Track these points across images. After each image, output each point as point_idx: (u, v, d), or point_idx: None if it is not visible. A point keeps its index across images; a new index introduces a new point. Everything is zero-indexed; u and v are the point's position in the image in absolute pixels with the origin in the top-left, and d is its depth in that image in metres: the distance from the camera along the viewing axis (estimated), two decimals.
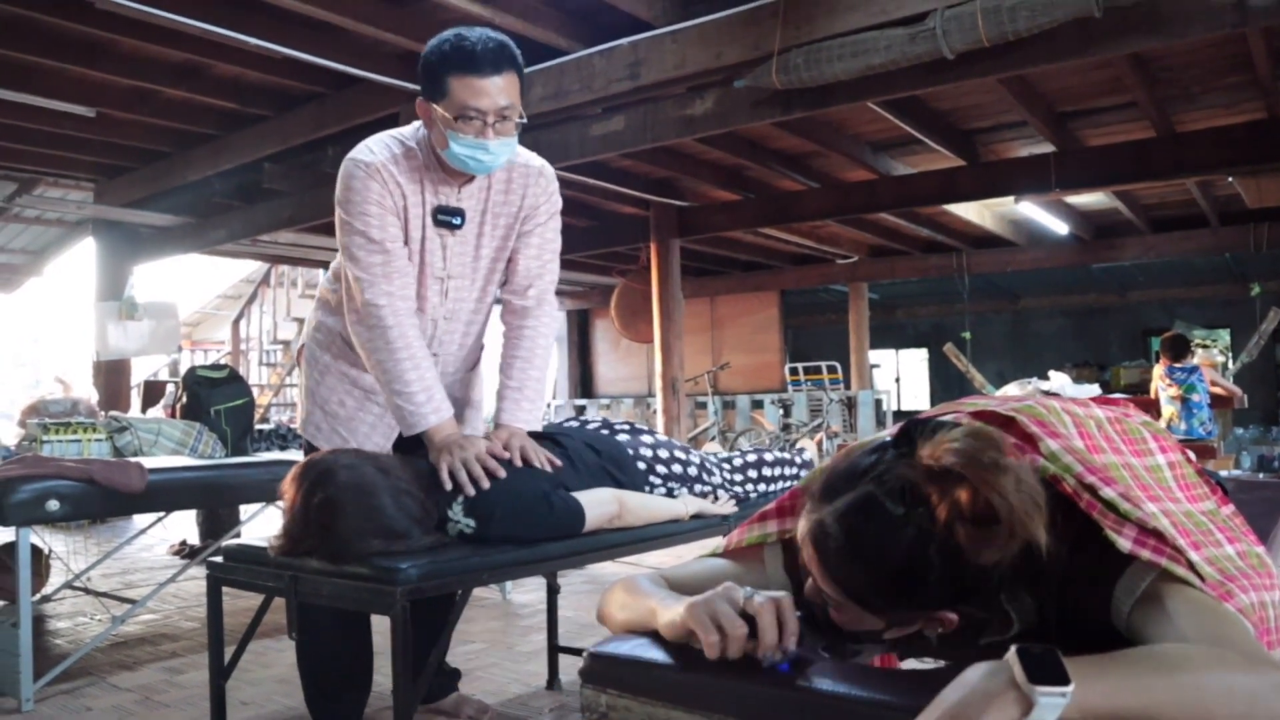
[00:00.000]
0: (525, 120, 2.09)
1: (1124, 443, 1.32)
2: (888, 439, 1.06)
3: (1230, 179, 6.78)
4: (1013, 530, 0.93)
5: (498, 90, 1.99)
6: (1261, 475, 8.54)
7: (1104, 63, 4.93)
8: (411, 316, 2.12)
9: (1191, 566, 0.99)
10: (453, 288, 2.23)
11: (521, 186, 2.24)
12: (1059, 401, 1.33)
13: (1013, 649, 0.82)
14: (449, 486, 1.96)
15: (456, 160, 2.05)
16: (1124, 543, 0.99)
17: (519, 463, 2.05)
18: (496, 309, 2.41)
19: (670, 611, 1.07)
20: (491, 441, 2.08)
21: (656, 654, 1.06)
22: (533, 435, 2.17)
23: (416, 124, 2.15)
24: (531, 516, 1.97)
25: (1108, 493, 1.04)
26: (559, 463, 2.10)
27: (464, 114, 1.99)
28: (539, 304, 2.32)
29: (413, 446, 2.14)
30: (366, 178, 2.06)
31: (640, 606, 1.14)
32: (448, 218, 2.15)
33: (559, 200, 2.33)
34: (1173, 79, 5.48)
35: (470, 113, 1.98)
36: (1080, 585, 1.05)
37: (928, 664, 1.15)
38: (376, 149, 2.10)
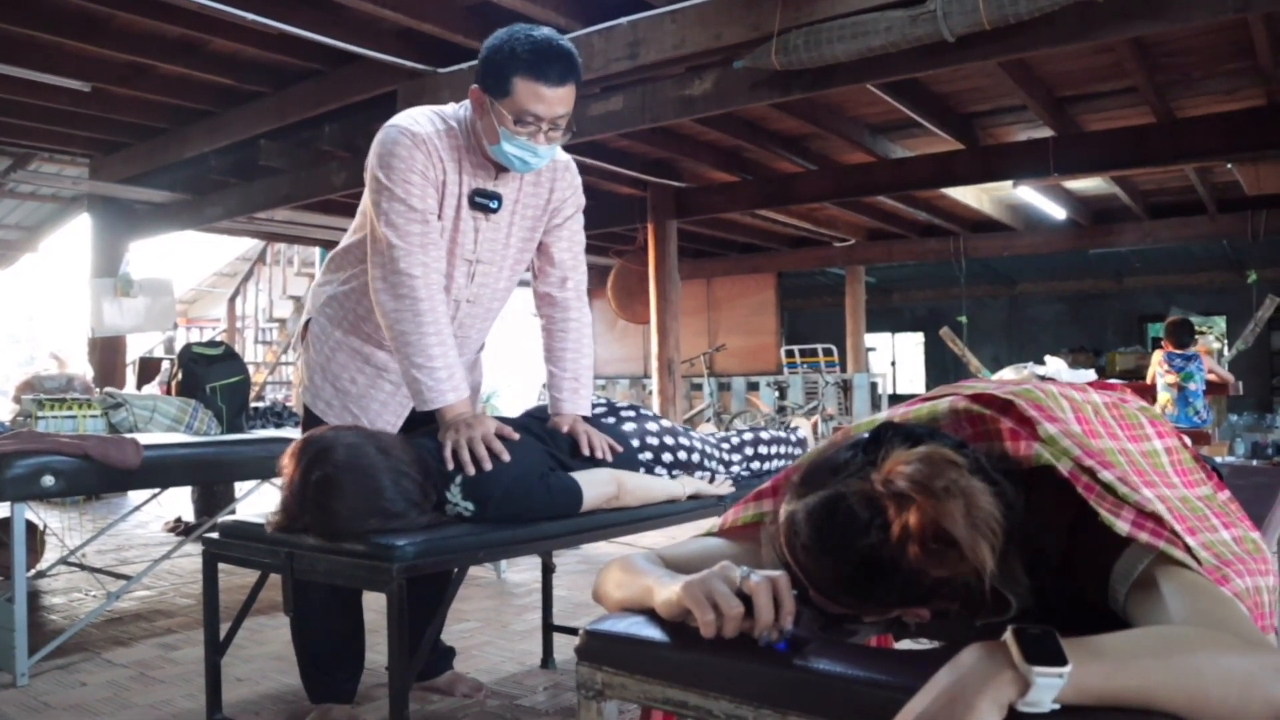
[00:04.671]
0: (576, 130, 2.12)
1: (1120, 428, 1.32)
2: (866, 435, 1.06)
3: (1229, 165, 6.77)
4: (962, 555, 0.92)
5: (559, 100, 2.00)
6: (1255, 462, 8.59)
7: (1104, 47, 4.91)
8: (442, 292, 2.12)
9: (1189, 550, 0.99)
10: (480, 272, 2.24)
11: (550, 180, 2.26)
12: (1056, 386, 1.33)
13: (1010, 629, 0.83)
14: (451, 465, 1.96)
15: (502, 156, 2.06)
16: (1122, 525, 0.99)
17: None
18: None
19: (666, 590, 1.07)
20: (566, 423, 2.18)
21: (652, 632, 1.07)
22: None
23: (455, 105, 2.16)
24: (529, 499, 1.98)
25: (1106, 475, 1.04)
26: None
27: (523, 118, 2.00)
28: (578, 296, 2.38)
29: (426, 422, 2.14)
30: (413, 146, 2.04)
31: (636, 585, 1.14)
32: (485, 201, 2.15)
33: (583, 195, 2.37)
34: (1173, 64, 5.46)
35: (529, 118, 2.00)
36: (1077, 567, 1.05)
37: (924, 645, 1.15)
38: (422, 120, 2.09)
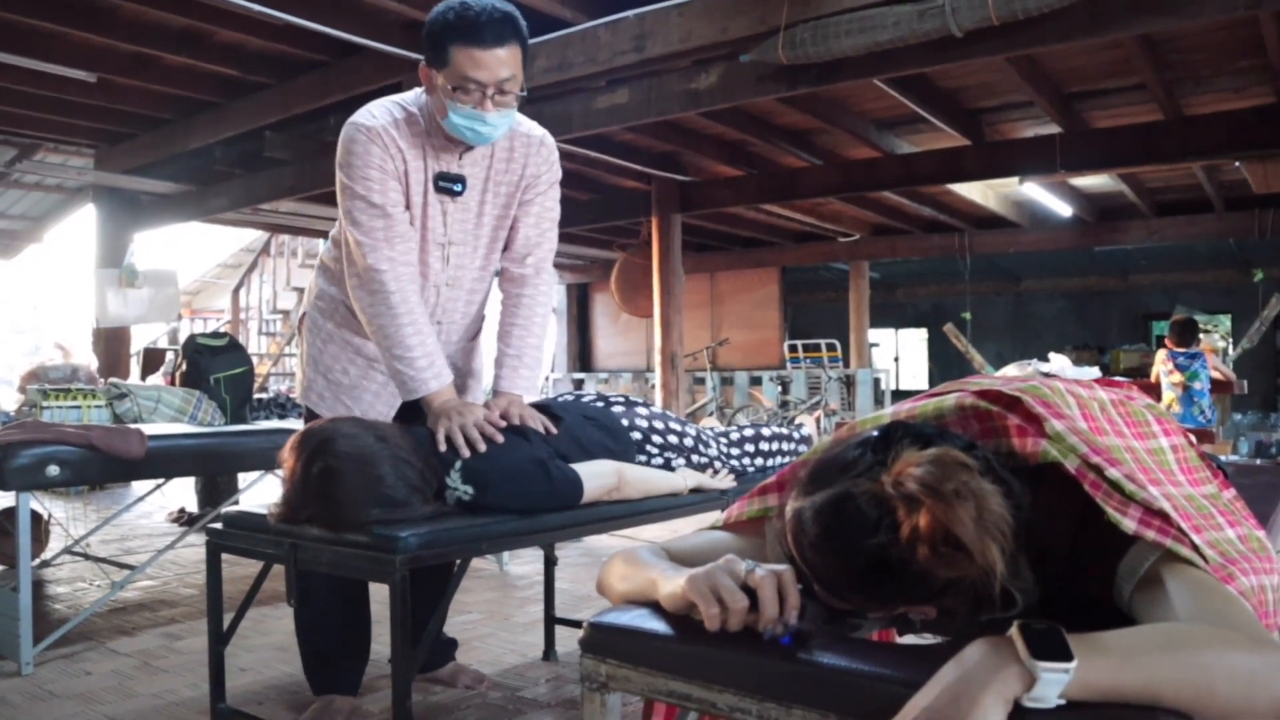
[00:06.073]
0: (526, 93, 2.08)
1: (1126, 425, 1.32)
2: (875, 433, 1.05)
3: (1237, 164, 6.75)
4: (971, 558, 0.91)
5: (499, 63, 1.97)
6: (1259, 460, 8.57)
7: (1113, 43, 4.90)
8: (413, 282, 2.12)
9: (1195, 548, 0.99)
10: (454, 254, 2.23)
11: (523, 156, 2.24)
12: (1063, 383, 1.33)
13: (1016, 624, 0.83)
14: (443, 447, 1.97)
15: (454, 129, 2.05)
16: (1129, 523, 0.99)
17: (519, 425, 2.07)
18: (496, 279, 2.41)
19: (671, 583, 1.07)
20: (489, 409, 2.09)
21: (657, 625, 1.07)
22: (530, 406, 2.18)
23: (418, 90, 2.15)
24: (529, 485, 1.98)
25: (1113, 473, 1.04)
26: (554, 430, 2.12)
27: (463, 85, 1.98)
28: (537, 272, 2.33)
29: (415, 415, 2.14)
30: (368, 141, 2.05)
31: (641, 578, 1.14)
32: (449, 184, 2.15)
33: (559, 170, 2.34)
34: (1182, 61, 5.44)
35: (470, 84, 1.97)
36: (1083, 564, 1.05)
37: (928, 639, 1.15)
38: (378, 113, 2.09)
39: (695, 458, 2.35)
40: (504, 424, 2.05)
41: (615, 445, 2.20)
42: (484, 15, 1.95)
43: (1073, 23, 3.67)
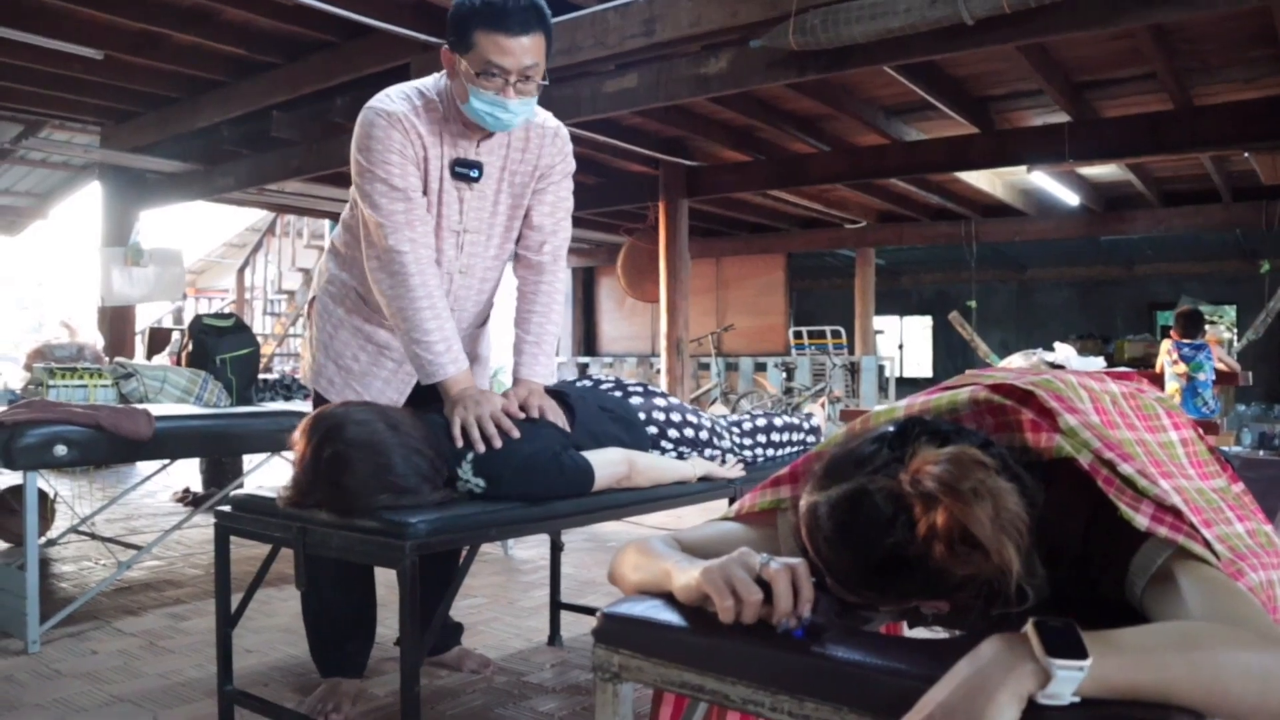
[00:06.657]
0: (547, 82, 2.08)
1: (1138, 418, 1.32)
2: (891, 429, 1.05)
3: (1246, 154, 6.72)
4: (987, 556, 0.92)
5: (524, 50, 1.98)
6: (1262, 452, 8.56)
7: (1124, 32, 4.87)
8: (433, 265, 2.12)
9: (1207, 545, 0.99)
10: (468, 242, 2.23)
11: (538, 146, 2.24)
12: (1075, 376, 1.33)
13: (1031, 621, 0.83)
14: (460, 443, 1.96)
15: (475, 115, 2.05)
16: (1141, 520, 0.99)
17: (537, 417, 2.07)
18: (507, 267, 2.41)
19: (685, 575, 1.07)
20: (508, 399, 2.08)
21: (671, 616, 1.07)
22: (549, 392, 2.18)
23: (437, 75, 2.15)
24: (542, 477, 1.97)
25: (1125, 468, 1.04)
26: (568, 430, 2.10)
27: (487, 71, 1.97)
28: (554, 260, 2.34)
29: (427, 401, 2.14)
30: (389, 126, 2.04)
31: (654, 568, 1.15)
32: (465, 170, 2.15)
33: (573, 161, 2.35)
34: (1193, 51, 5.41)
35: (493, 70, 1.97)
36: (1095, 560, 1.05)
37: (938, 633, 1.15)
38: (397, 99, 2.09)
39: (709, 452, 2.35)
40: (522, 416, 2.04)
41: (629, 439, 2.20)
42: (511, 1, 1.95)
43: (1085, 12, 3.65)
